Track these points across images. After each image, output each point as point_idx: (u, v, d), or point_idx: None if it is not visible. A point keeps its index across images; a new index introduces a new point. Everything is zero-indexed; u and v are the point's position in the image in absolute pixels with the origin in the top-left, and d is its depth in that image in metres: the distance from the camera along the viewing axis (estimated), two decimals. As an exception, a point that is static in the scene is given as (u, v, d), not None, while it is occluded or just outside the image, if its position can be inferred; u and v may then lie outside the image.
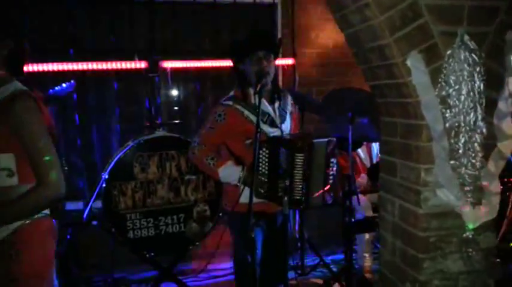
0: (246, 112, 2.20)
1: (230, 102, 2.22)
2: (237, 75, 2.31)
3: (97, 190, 3.09)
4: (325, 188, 2.18)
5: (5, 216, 1.55)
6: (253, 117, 2.18)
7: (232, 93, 2.30)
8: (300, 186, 2.08)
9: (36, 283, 1.60)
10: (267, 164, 2.12)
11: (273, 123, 2.24)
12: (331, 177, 2.20)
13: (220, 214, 3.27)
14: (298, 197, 2.09)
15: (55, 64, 3.44)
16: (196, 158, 2.24)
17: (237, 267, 2.32)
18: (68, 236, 3.14)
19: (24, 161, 1.58)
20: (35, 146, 1.57)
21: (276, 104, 2.29)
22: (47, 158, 1.58)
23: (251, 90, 2.23)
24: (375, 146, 3.63)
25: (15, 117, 1.54)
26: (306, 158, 2.07)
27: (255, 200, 2.07)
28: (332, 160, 2.20)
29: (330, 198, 2.21)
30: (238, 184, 2.15)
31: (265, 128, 2.21)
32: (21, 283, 1.55)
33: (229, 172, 2.17)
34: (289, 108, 2.38)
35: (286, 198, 2.24)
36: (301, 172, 2.07)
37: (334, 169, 2.22)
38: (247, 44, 2.24)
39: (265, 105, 2.24)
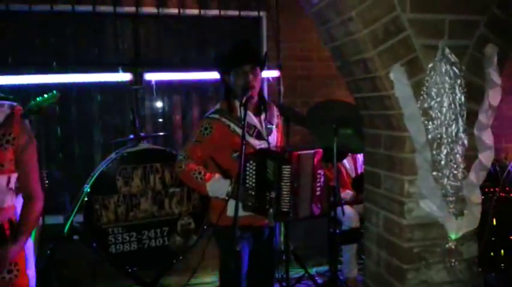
0: (232, 125, 2.19)
1: (216, 116, 2.20)
2: (223, 88, 2.30)
3: (78, 203, 3.03)
4: (313, 200, 2.18)
5: (28, 236, 1.68)
6: (239, 130, 2.17)
7: (218, 106, 2.28)
8: (288, 198, 2.08)
9: None
10: (254, 177, 2.11)
11: (259, 136, 2.24)
12: (318, 188, 2.20)
13: (205, 227, 3.24)
14: (286, 210, 2.09)
15: (38, 76, 3.39)
16: (183, 173, 2.19)
17: (223, 280, 2.29)
18: (48, 251, 3.06)
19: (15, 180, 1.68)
20: (32, 164, 1.68)
21: (262, 117, 2.29)
22: (38, 174, 1.71)
23: (237, 103, 2.23)
24: (360, 157, 3.66)
25: (24, 137, 1.64)
26: (293, 170, 2.07)
27: (242, 213, 2.06)
28: (319, 171, 2.21)
29: (317, 209, 2.21)
30: (226, 198, 2.12)
31: (252, 141, 2.20)
32: None
33: (218, 186, 2.13)
34: (275, 120, 2.38)
35: (271, 210, 2.24)
36: (288, 184, 2.07)
37: (322, 180, 2.23)
38: (232, 57, 2.23)
39: (251, 118, 2.23)
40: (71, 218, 3.02)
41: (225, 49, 2.35)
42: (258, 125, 2.25)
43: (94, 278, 3.35)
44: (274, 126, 2.34)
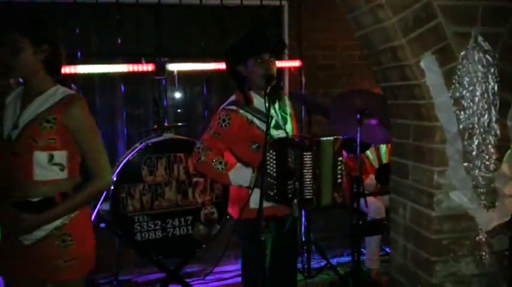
0: (250, 116, 2.16)
1: (234, 107, 2.16)
2: (236, 79, 2.25)
3: (105, 192, 3.08)
4: (335, 187, 2.17)
5: (71, 207, 1.77)
6: (257, 121, 2.15)
7: (233, 97, 2.24)
8: (311, 185, 2.06)
9: (85, 263, 1.86)
10: (275, 166, 2.10)
11: (277, 126, 2.22)
12: (339, 175, 2.18)
13: (228, 217, 3.26)
14: (309, 197, 2.07)
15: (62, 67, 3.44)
16: (203, 164, 2.14)
17: (246, 272, 2.29)
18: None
19: (73, 158, 1.81)
20: (93, 145, 1.83)
21: (277, 106, 2.28)
22: (103, 155, 1.84)
23: (253, 94, 2.20)
24: (383, 147, 3.62)
25: (75, 120, 1.77)
26: (314, 157, 2.06)
27: (265, 204, 2.06)
28: (339, 158, 2.19)
29: (339, 197, 2.20)
30: (250, 186, 2.11)
31: (270, 130, 2.19)
32: (74, 263, 1.79)
33: (241, 174, 2.12)
34: (289, 109, 2.36)
35: (295, 200, 2.23)
36: (310, 171, 2.05)
37: (342, 167, 2.21)
38: (252, 45, 2.18)
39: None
40: (97, 207, 3.08)
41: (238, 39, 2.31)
42: (274, 115, 2.23)
43: (118, 265, 3.42)
44: (288, 116, 2.32)
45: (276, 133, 2.19)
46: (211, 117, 2.24)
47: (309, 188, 2.07)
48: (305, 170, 2.06)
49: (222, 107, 2.22)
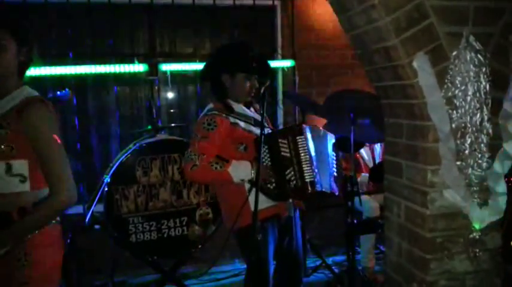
0: (232, 118, 2.16)
1: (215, 112, 2.15)
2: (215, 86, 2.23)
3: (99, 193, 3.07)
4: (331, 175, 2.20)
5: (24, 232, 1.58)
6: (241, 123, 2.17)
7: (211, 105, 2.22)
8: (310, 167, 2.07)
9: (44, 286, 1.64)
10: (270, 159, 2.10)
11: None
12: (334, 167, 2.22)
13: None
14: (310, 179, 2.07)
15: (54, 68, 3.42)
16: (200, 169, 2.04)
17: (253, 277, 2.23)
18: (68, 240, 3.11)
19: (36, 167, 1.60)
20: (48, 154, 1.60)
21: (251, 108, 2.31)
22: (61, 166, 1.61)
23: (231, 102, 2.19)
24: (377, 147, 3.64)
25: (30, 124, 1.57)
26: (306, 140, 2.10)
27: (267, 204, 2.07)
28: (333, 151, 2.25)
29: (336, 189, 2.22)
30: (253, 179, 2.06)
31: (255, 129, 2.19)
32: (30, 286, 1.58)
33: (241, 168, 2.08)
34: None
35: (290, 200, 2.24)
36: (307, 153, 2.08)
37: (336, 160, 2.26)
38: (249, 64, 2.17)
39: (246, 111, 2.24)
40: (92, 208, 3.07)
41: (239, 39, 2.31)
42: (255, 115, 2.25)
43: (113, 267, 3.40)
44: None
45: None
46: (195, 127, 2.19)
47: (309, 170, 2.08)
48: (301, 153, 2.08)
49: (202, 115, 2.20)
